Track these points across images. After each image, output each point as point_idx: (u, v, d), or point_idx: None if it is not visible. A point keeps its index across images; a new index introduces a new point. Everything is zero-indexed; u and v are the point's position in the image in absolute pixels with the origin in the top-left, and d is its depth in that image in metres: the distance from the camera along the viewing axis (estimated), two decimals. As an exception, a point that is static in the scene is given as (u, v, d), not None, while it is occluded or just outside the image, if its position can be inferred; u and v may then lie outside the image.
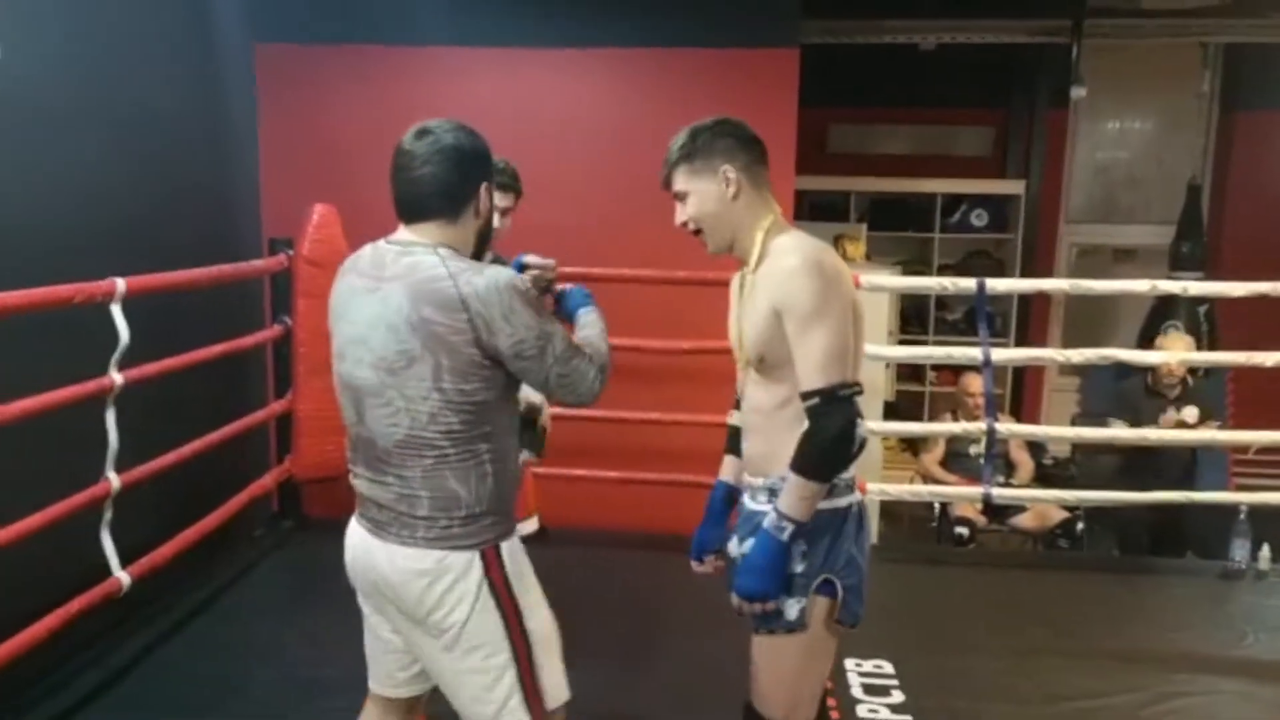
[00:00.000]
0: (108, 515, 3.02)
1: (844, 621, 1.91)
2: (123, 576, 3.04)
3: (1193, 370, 4.96)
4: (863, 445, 1.82)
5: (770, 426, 1.90)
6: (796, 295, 1.78)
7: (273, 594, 3.81)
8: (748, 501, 1.98)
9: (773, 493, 1.87)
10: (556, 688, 1.92)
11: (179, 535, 3.41)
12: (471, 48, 4.58)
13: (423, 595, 1.82)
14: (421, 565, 1.82)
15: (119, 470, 3.02)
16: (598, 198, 4.50)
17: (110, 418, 2.96)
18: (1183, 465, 4.73)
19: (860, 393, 1.81)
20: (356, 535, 1.94)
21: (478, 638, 1.83)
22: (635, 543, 4.29)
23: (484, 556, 1.83)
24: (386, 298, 1.78)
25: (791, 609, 1.87)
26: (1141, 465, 4.67)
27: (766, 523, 1.82)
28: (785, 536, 1.80)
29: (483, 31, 4.52)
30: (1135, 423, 4.62)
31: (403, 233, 1.84)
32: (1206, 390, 4.80)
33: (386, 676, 2.06)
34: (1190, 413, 4.66)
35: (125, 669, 3.12)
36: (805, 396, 1.78)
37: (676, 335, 4.18)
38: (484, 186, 1.85)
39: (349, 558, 1.97)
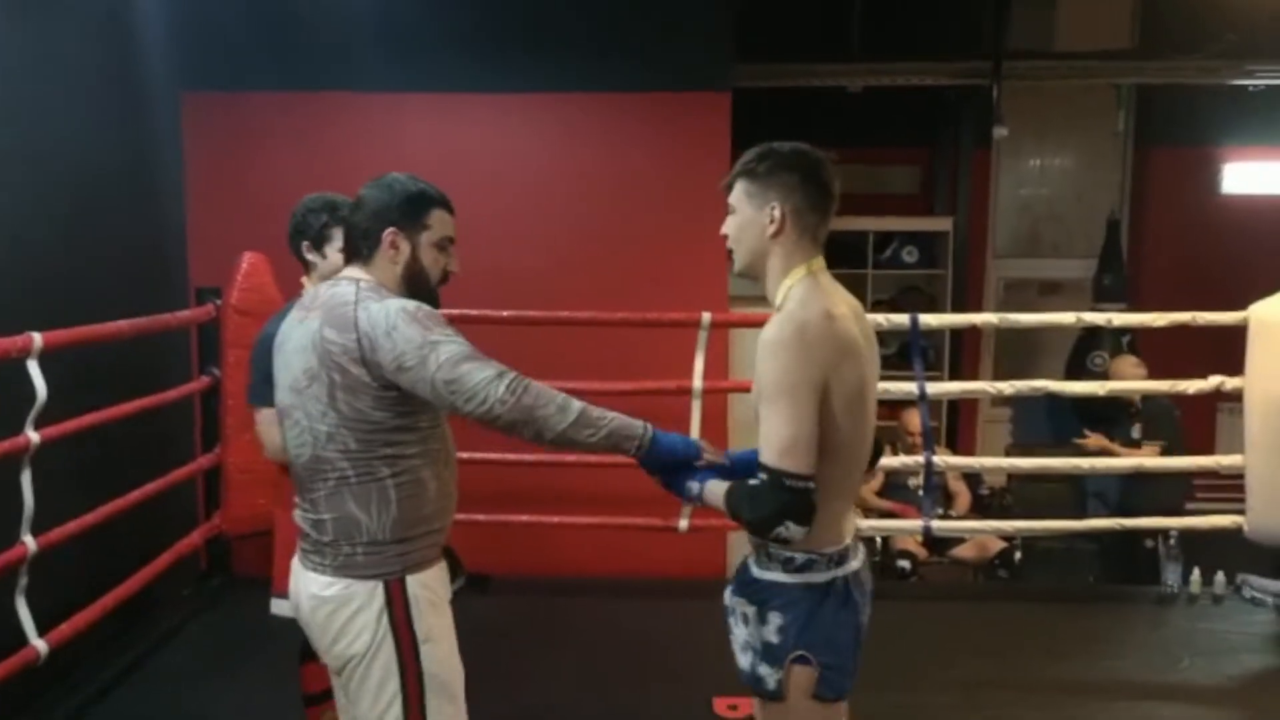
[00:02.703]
0: (23, 581, 2.88)
1: (822, 696, 1.81)
2: (40, 645, 2.89)
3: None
4: (787, 540, 1.71)
5: None
6: (767, 369, 1.72)
7: (201, 657, 3.66)
8: (749, 563, 1.88)
9: (768, 555, 1.81)
10: None
11: (101, 599, 3.27)
12: (402, 93, 4.56)
13: (326, 623, 1.88)
14: (326, 593, 1.88)
15: (36, 532, 2.89)
16: (533, 241, 4.48)
17: (26, 478, 2.83)
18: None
19: (809, 488, 1.69)
20: (294, 567, 2.00)
21: (374, 670, 1.86)
22: (583, 589, 4.24)
23: (387, 588, 1.86)
24: (309, 324, 1.89)
25: (769, 679, 1.81)
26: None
27: (697, 487, 1.84)
28: (691, 494, 1.85)
29: (414, 77, 4.50)
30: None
31: (345, 270, 1.96)
32: (1156, 411, 4.96)
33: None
34: (1136, 429, 4.95)
35: (43, 743, 2.98)
36: (759, 467, 1.71)
37: (617, 377, 4.16)
38: (387, 232, 1.89)
39: (291, 589, 2.02)
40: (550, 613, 4.02)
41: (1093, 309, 5.90)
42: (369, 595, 1.85)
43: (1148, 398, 4.90)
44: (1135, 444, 4.91)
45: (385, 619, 1.85)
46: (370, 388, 1.80)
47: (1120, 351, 6.01)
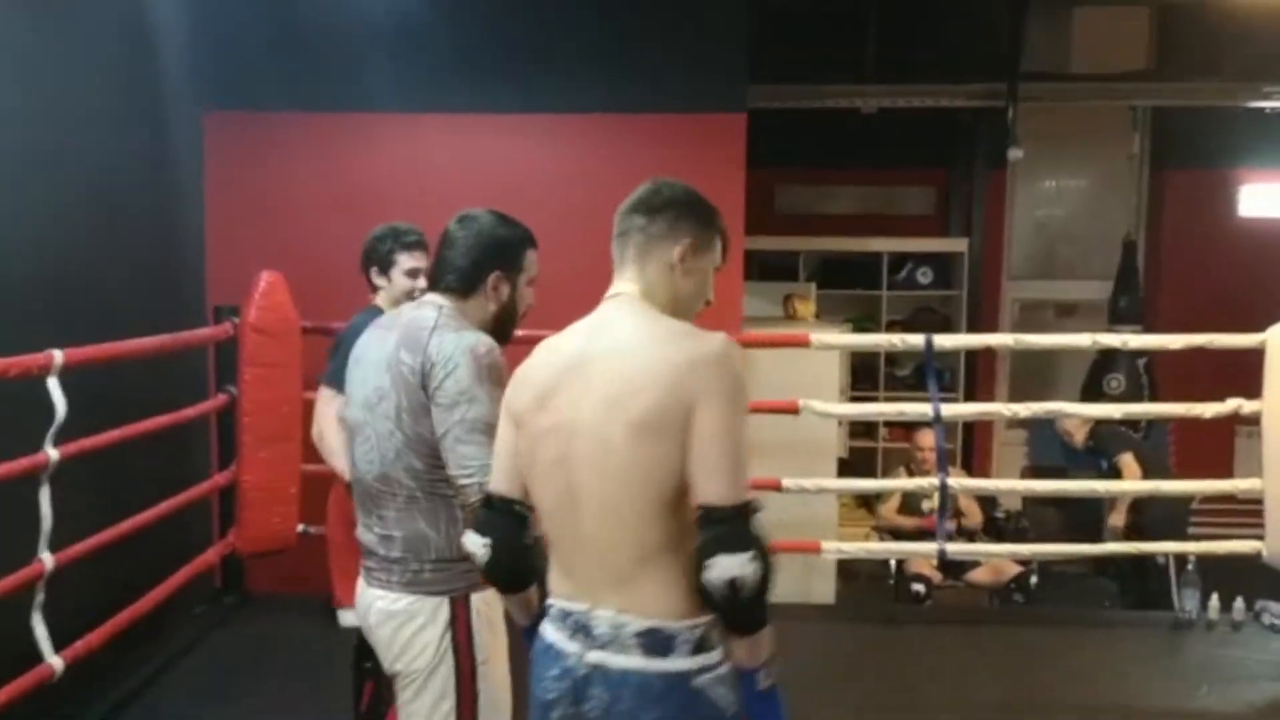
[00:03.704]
0: (40, 597, 2.89)
1: None
2: (55, 661, 2.90)
3: (1134, 424, 5.12)
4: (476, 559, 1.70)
5: None
6: None
7: (215, 674, 3.66)
8: None
9: None
10: None
11: (116, 616, 3.27)
12: (420, 114, 4.59)
13: (392, 639, 1.94)
14: (393, 608, 1.94)
15: (54, 549, 2.91)
16: (548, 262, 4.48)
17: (45, 495, 2.85)
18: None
19: (482, 499, 1.74)
20: (360, 587, 2.06)
21: (432, 685, 1.92)
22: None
23: (453, 604, 1.92)
24: (386, 342, 1.95)
25: None
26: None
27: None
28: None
29: (432, 98, 4.54)
30: None
31: (430, 296, 2.03)
32: (1105, 437, 5.02)
33: None
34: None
35: (57, 760, 2.98)
36: None
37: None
38: (493, 276, 1.97)
39: (358, 609, 2.08)
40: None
41: (1108, 331, 5.88)
42: (434, 611, 1.92)
43: (1096, 428, 4.99)
44: (1115, 471, 4.91)
45: (449, 636, 1.92)
46: (430, 412, 1.87)
47: (1136, 374, 6.00)
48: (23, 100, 3.19)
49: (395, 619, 1.93)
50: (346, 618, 2.50)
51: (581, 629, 1.55)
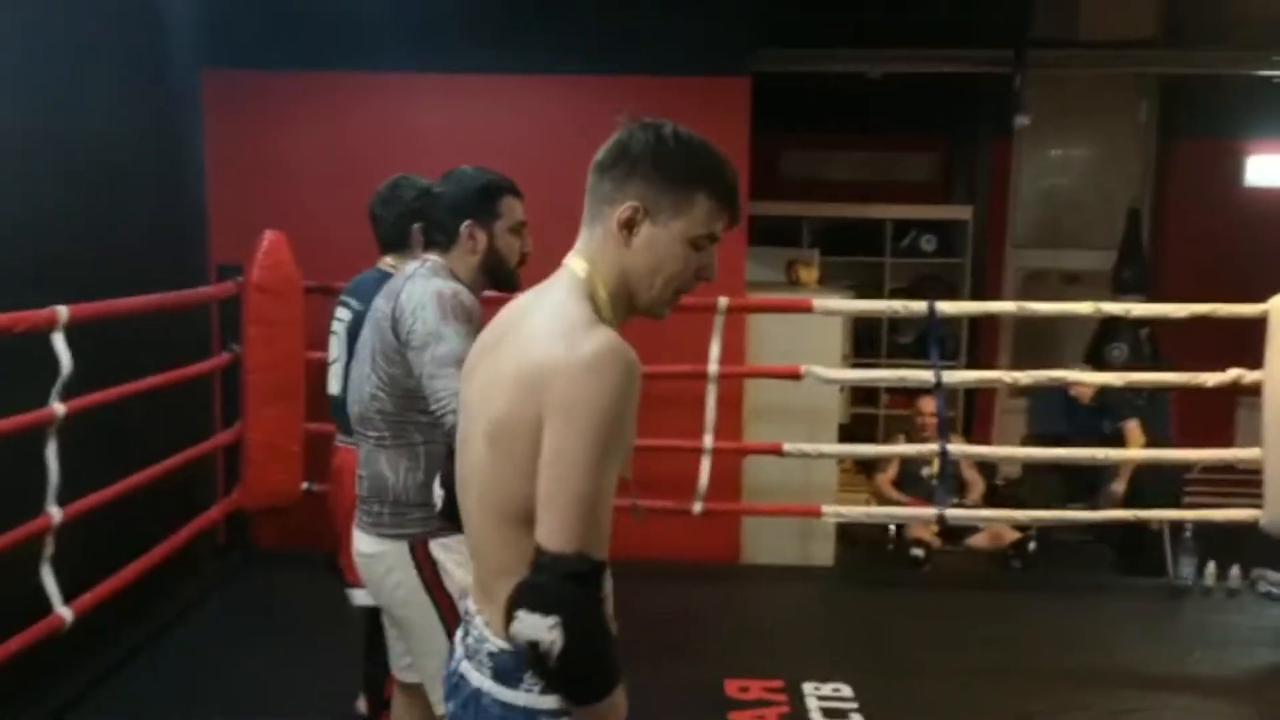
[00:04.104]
0: (49, 550, 2.93)
1: None
2: (65, 612, 2.94)
3: (1137, 391, 5.12)
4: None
5: None
6: None
7: (220, 628, 3.72)
8: None
9: None
10: None
11: (124, 569, 3.32)
12: (423, 74, 4.57)
13: (369, 577, 2.07)
14: (367, 549, 2.05)
15: (61, 503, 2.94)
16: (548, 225, 4.47)
17: (51, 450, 2.88)
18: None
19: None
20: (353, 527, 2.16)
21: (417, 622, 2.01)
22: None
23: (413, 550, 1.99)
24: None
25: None
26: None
27: None
28: None
29: (434, 58, 4.51)
30: None
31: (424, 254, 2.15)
32: (1121, 396, 5.02)
33: (395, 661, 2.25)
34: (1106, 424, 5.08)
35: (66, 708, 3.04)
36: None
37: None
38: (465, 225, 2.04)
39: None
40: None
41: (1112, 300, 5.87)
42: (398, 554, 2.00)
43: (1148, 396, 5.01)
44: (1118, 436, 4.92)
45: (416, 577, 1.99)
46: (402, 355, 1.95)
47: (1139, 343, 6.00)
48: (22, 62, 3.18)
49: (369, 560, 2.05)
50: (357, 596, 2.53)
51: (464, 631, 1.39)
